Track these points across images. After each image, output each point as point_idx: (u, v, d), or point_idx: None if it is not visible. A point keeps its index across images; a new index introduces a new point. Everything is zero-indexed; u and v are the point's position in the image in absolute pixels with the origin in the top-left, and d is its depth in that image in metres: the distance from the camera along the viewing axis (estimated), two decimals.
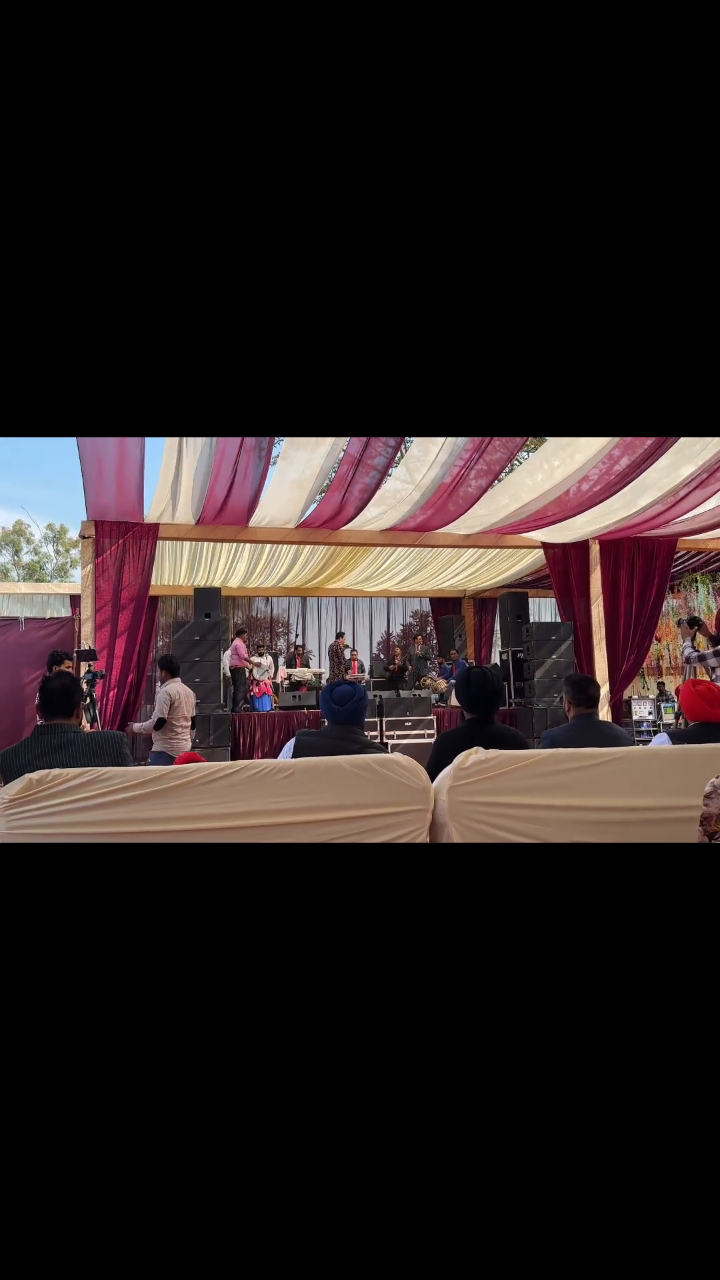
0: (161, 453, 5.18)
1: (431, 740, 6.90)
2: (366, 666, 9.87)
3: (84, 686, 3.87)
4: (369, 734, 5.70)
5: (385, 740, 7.11)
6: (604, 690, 7.08)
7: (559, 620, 7.60)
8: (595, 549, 7.28)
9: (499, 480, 5.92)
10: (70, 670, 4.92)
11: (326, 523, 6.49)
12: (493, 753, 1.72)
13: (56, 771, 1.55)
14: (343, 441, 5.12)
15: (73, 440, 4.61)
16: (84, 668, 5.27)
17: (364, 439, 5.02)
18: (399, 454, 5.39)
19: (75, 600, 8.67)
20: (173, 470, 5.32)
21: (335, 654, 9.05)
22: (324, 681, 8.08)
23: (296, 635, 11.38)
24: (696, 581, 10.37)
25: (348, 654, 9.16)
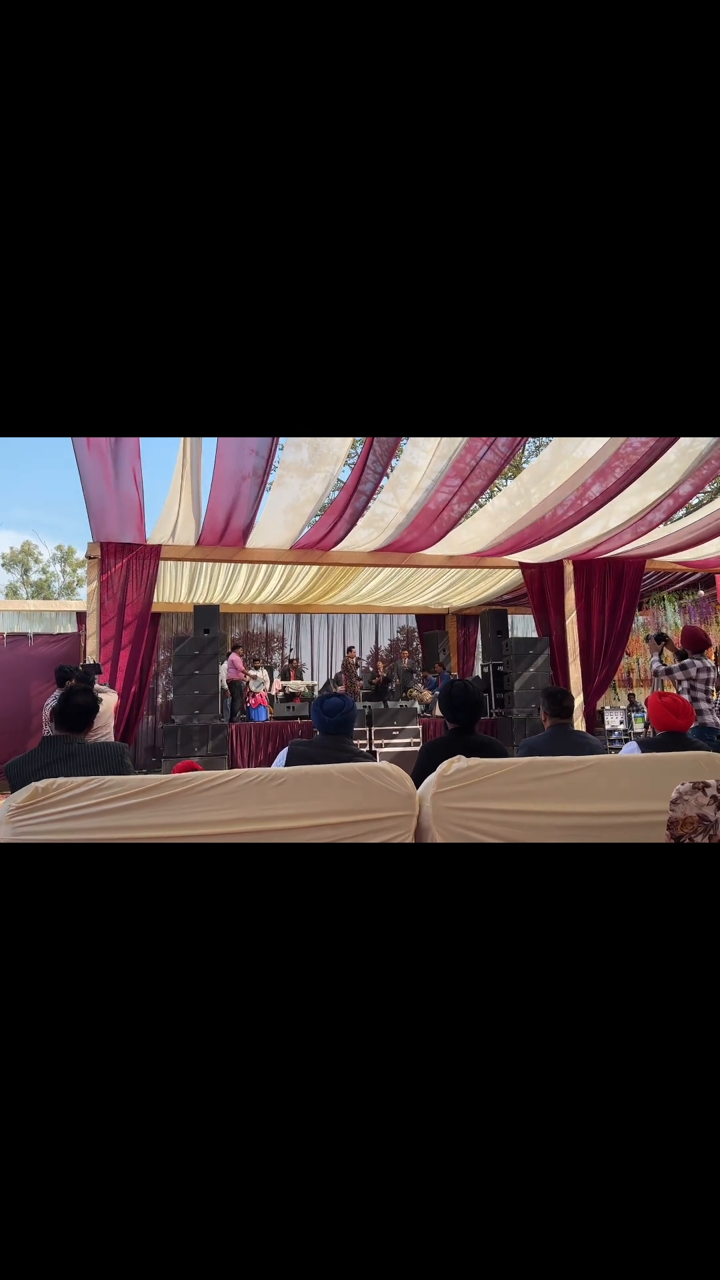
0: (167, 477, 5.17)
1: (417, 749, 6.87)
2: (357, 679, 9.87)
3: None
4: (358, 743, 5.67)
5: (373, 749, 7.08)
6: (578, 701, 7.10)
7: (536, 636, 7.63)
8: (569, 569, 7.31)
9: (479, 505, 5.95)
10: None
11: (317, 544, 6.50)
12: (474, 760, 1.72)
13: (61, 780, 1.53)
14: (335, 470, 5.14)
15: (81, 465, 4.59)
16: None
17: (359, 467, 5.03)
18: (383, 479, 5.41)
19: (81, 617, 8.61)
20: (176, 495, 5.32)
21: (347, 668, 9.09)
22: (317, 694, 8.05)
23: (290, 650, 11.34)
24: (664, 600, 10.45)
25: (359, 669, 9.20)
